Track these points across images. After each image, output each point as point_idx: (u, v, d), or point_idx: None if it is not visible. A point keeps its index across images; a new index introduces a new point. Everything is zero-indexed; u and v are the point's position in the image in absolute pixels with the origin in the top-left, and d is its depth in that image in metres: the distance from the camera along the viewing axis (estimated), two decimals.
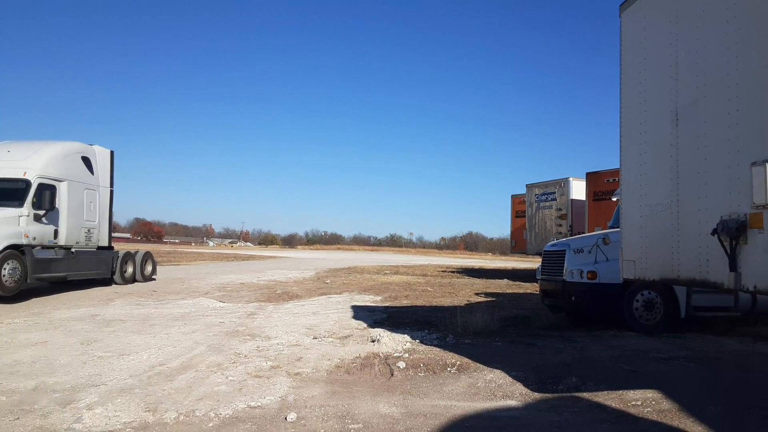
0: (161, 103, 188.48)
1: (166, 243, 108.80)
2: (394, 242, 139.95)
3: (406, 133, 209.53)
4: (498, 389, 6.04)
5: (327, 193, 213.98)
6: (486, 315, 9.90)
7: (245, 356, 7.58)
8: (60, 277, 14.47)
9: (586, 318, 10.49)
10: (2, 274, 12.00)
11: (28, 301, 13.00)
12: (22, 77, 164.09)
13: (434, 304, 13.97)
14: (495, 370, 6.74)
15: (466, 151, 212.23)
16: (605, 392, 5.87)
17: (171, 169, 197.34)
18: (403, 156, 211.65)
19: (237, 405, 5.34)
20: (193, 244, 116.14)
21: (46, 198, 13.30)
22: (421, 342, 8.53)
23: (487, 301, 14.70)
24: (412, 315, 11.67)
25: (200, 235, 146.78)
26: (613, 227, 10.54)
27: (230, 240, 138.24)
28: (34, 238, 13.15)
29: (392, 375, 6.65)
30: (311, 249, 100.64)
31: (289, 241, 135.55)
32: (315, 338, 8.94)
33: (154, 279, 19.49)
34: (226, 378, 6.38)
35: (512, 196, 29.12)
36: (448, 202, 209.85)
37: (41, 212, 13.29)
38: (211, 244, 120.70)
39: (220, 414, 5.08)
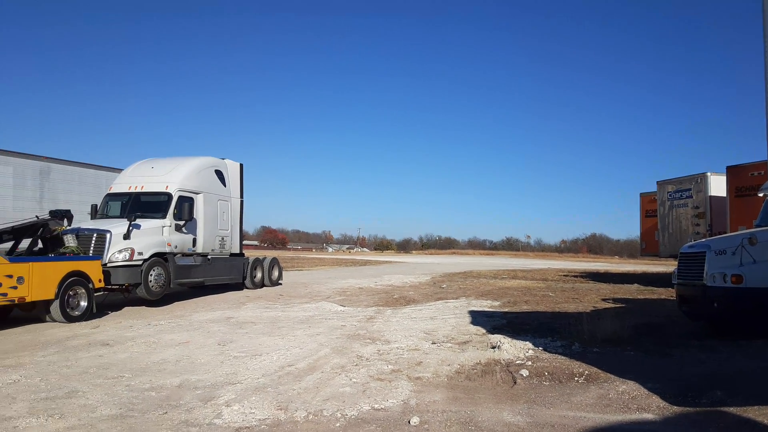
0: (285, 118, 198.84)
1: (289, 249, 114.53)
2: (510, 246, 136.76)
3: (520, 132, 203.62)
4: (632, 401, 5.65)
5: (441, 197, 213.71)
6: (615, 322, 9.33)
7: (367, 359, 7.74)
8: (198, 282, 15.73)
9: (729, 326, 9.54)
10: (149, 280, 13.25)
11: (171, 305, 14.25)
12: (163, 97, 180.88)
13: (557, 309, 13.43)
14: (628, 381, 6.32)
15: (587, 148, 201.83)
16: (756, 407, 5.27)
17: (293, 179, 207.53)
18: (519, 155, 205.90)
19: (362, 407, 5.46)
20: (313, 250, 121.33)
21: (185, 209, 14.52)
22: (545, 349, 8.22)
23: (615, 307, 13.86)
24: (534, 321, 11.30)
25: (320, 241, 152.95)
26: (761, 226, 9.50)
27: (348, 246, 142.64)
28: (176, 247, 14.39)
29: (515, 383, 6.47)
30: (426, 254, 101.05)
31: (404, 246, 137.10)
32: (434, 343, 8.94)
33: (281, 283, 20.56)
34: (350, 380, 6.55)
35: (641, 194, 27.31)
36: (569, 202, 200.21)
37: (181, 222, 14.52)
38: (330, 249, 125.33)
39: (346, 415, 5.22)
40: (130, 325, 10.81)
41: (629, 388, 6.09)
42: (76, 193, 16.48)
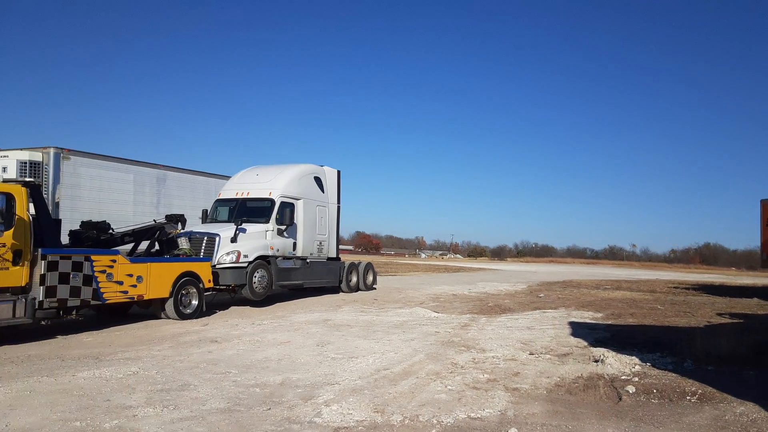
0: (386, 123, 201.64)
1: (383, 254, 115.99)
2: (613, 255, 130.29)
3: (627, 133, 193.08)
4: (751, 424, 5.20)
5: (538, 203, 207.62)
6: (733, 339, 8.63)
7: (462, 367, 7.67)
8: (298, 285, 16.33)
9: None
10: (253, 281, 13.92)
11: (272, 306, 14.88)
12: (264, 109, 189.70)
13: (666, 323, 12.62)
14: (747, 403, 5.82)
15: (701, 149, 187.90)
16: None
17: (387, 185, 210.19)
18: (625, 158, 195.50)
19: (457, 414, 5.42)
20: (406, 255, 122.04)
21: (287, 214, 15.16)
22: (653, 365, 7.75)
23: (732, 323, 12.81)
24: (640, 335, 10.68)
25: (413, 247, 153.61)
26: None
27: (440, 252, 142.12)
28: (278, 250, 15.03)
29: (620, 399, 6.15)
30: (521, 261, 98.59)
31: (498, 253, 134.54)
32: (531, 354, 8.69)
33: (375, 288, 20.86)
34: (445, 387, 6.52)
35: (762, 201, 25.06)
36: (680, 208, 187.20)
37: (283, 227, 15.15)
38: (423, 255, 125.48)
39: (442, 421, 5.20)
40: (236, 324, 11.41)
41: (748, 410, 5.61)
42: (189, 199, 17.66)
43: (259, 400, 5.83)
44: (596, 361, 7.95)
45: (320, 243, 17.17)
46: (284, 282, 15.48)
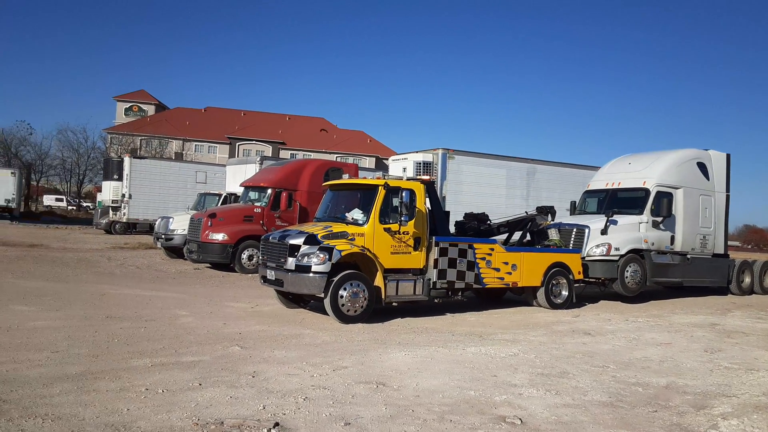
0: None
1: None
2: None
3: None
4: None
5: None
6: None
7: None
8: (675, 283, 14.87)
9: None
10: (625, 276, 13.28)
11: (646, 303, 13.93)
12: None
13: None
14: None
15: None
16: None
17: None
18: None
19: None
20: None
21: (663, 205, 13.92)
22: None
23: None
24: None
25: None
26: None
27: None
28: (652, 244, 13.95)
29: None
30: None
31: None
32: None
33: None
34: None
35: None
36: None
37: (659, 219, 13.99)
38: None
39: None
40: (608, 318, 11.11)
41: None
42: (557, 191, 17.92)
43: (643, 400, 5.56)
44: None
45: (704, 237, 15.24)
46: (659, 279, 14.28)
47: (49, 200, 63.12)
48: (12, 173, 37.62)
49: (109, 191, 29.54)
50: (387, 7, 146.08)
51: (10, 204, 36.73)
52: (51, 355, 6.31)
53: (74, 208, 60.70)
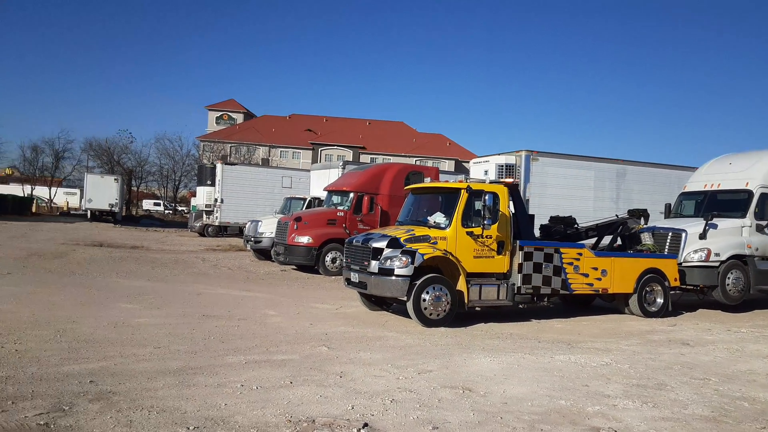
0: None
1: None
2: None
3: None
4: None
5: None
6: None
7: None
8: None
9: None
10: (726, 283, 12.41)
11: (750, 312, 12.96)
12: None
13: None
14: None
15: None
16: None
17: None
18: None
19: None
20: None
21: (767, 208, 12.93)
22: None
23: None
24: None
25: None
26: None
27: None
28: (756, 249, 12.95)
29: None
30: None
31: None
32: None
33: None
34: None
35: None
36: None
37: (763, 223, 12.97)
38: None
39: None
40: (708, 328, 10.44)
41: None
42: (649, 193, 17.01)
43: (750, 416, 5.20)
44: None
45: None
46: (765, 287, 13.23)
47: (147, 205, 67.68)
48: (115, 179, 40.62)
49: (202, 196, 31.08)
50: (463, 11, 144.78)
51: (113, 208, 39.62)
52: (154, 350, 6.75)
53: (171, 212, 64.60)
